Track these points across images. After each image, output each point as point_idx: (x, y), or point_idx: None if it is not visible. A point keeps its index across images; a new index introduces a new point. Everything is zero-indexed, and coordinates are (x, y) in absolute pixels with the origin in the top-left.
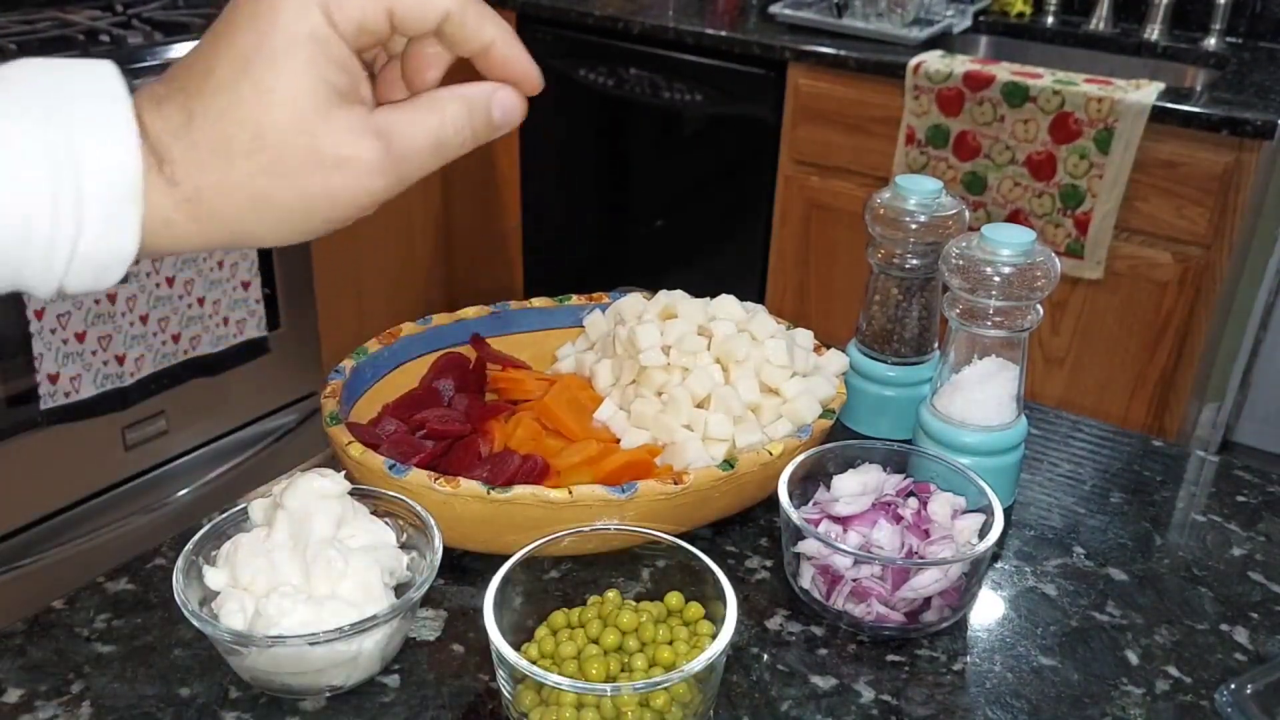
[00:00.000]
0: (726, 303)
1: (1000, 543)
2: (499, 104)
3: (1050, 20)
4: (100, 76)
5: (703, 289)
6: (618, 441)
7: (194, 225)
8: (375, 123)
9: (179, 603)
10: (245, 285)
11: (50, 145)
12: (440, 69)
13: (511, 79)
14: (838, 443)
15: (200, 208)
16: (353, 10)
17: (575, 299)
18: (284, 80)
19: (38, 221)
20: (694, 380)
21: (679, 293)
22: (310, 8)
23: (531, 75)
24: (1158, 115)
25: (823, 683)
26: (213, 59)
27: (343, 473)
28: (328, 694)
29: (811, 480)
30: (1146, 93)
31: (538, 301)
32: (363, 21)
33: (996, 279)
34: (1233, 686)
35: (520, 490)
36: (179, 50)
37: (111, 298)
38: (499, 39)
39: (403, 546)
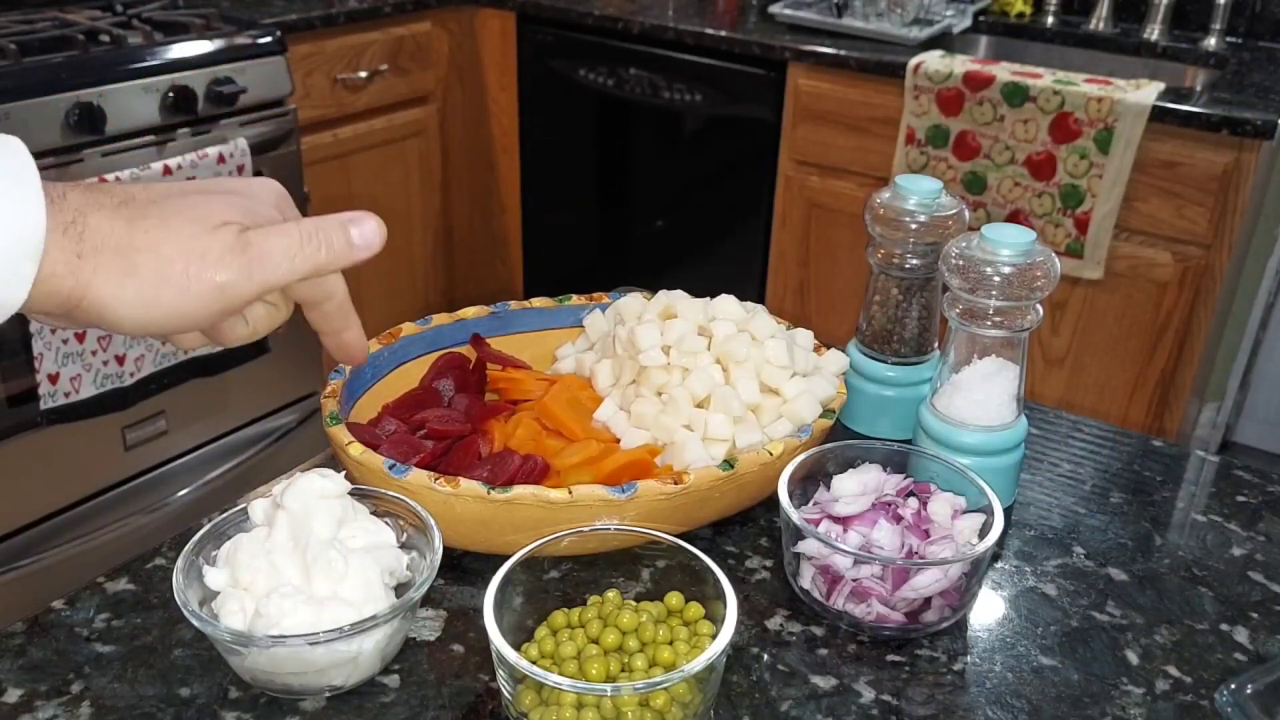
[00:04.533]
0: (726, 303)
1: (1000, 543)
2: (358, 227)
3: (1050, 20)
4: (12, 151)
5: (703, 289)
6: (618, 441)
7: (71, 280)
8: (245, 234)
9: (179, 603)
10: None
11: None
12: None
13: (346, 356)
14: (838, 443)
15: (84, 266)
16: (271, 275)
17: (575, 299)
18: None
19: None
20: (694, 380)
21: (679, 293)
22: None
23: (362, 355)
24: (1158, 115)
25: (823, 683)
26: (167, 215)
27: (343, 473)
28: (328, 694)
29: (811, 480)
30: (1146, 93)
31: (538, 301)
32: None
33: (996, 279)
34: (1233, 686)
35: (520, 490)
36: (179, 50)
37: None
38: (355, 329)
39: (403, 546)
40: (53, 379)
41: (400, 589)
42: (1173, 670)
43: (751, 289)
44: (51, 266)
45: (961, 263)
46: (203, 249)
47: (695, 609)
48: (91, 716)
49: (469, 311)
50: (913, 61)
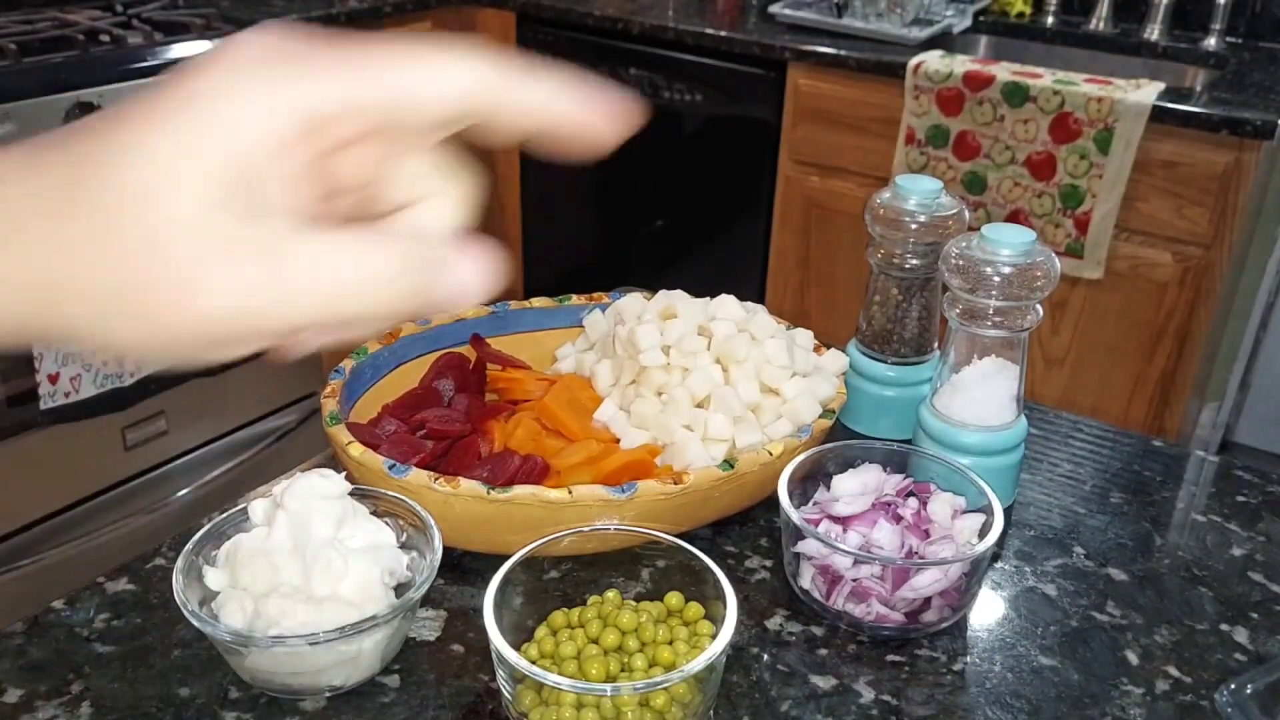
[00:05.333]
0: (726, 303)
1: (1000, 543)
2: (453, 274)
3: (1050, 20)
4: None
5: (703, 289)
6: (618, 441)
7: None
8: (272, 242)
9: (179, 603)
10: None
11: None
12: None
13: (594, 136)
14: (838, 443)
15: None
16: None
17: (575, 299)
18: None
19: None
20: (694, 380)
21: (679, 293)
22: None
23: (617, 119)
24: (1158, 115)
25: (823, 683)
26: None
27: (343, 473)
28: (328, 694)
29: (811, 480)
30: (1146, 93)
31: (538, 301)
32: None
33: (996, 279)
34: (1233, 686)
35: (520, 490)
36: (179, 50)
37: None
38: (550, 100)
39: (403, 546)
40: (53, 379)
41: (400, 589)
42: (1173, 670)
43: (751, 289)
44: None
45: (961, 263)
46: (181, 276)
47: (695, 609)
48: (91, 716)
49: (469, 311)
50: (913, 61)
